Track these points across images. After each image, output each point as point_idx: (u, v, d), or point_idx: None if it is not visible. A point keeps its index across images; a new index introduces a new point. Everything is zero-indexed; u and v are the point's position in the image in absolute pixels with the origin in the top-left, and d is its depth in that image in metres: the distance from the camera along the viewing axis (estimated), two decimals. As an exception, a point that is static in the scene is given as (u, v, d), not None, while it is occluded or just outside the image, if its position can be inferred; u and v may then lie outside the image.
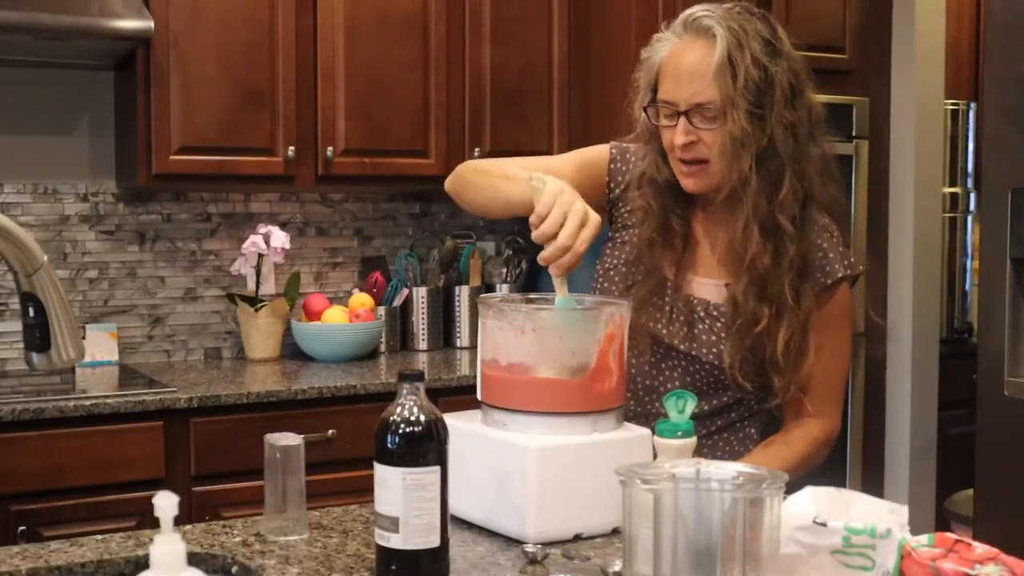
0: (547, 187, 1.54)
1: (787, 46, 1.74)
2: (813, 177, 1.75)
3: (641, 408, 1.83)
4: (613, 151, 1.91)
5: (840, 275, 1.80)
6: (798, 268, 1.74)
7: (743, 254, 1.73)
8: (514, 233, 3.85)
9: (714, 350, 1.77)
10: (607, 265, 1.89)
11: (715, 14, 1.70)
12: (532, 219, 1.53)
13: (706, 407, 1.80)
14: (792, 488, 1.13)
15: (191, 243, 3.46)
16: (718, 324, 1.78)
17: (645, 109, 1.79)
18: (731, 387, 1.80)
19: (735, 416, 1.84)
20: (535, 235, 1.52)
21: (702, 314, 1.79)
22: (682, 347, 1.79)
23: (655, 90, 1.77)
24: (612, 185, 1.90)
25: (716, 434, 1.83)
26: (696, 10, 1.73)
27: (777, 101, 1.69)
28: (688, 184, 1.77)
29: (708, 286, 1.81)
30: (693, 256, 1.84)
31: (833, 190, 1.81)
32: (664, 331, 1.80)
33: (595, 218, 1.53)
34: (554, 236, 1.50)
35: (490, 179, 1.80)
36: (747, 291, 1.73)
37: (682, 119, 1.71)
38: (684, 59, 1.72)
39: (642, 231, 1.83)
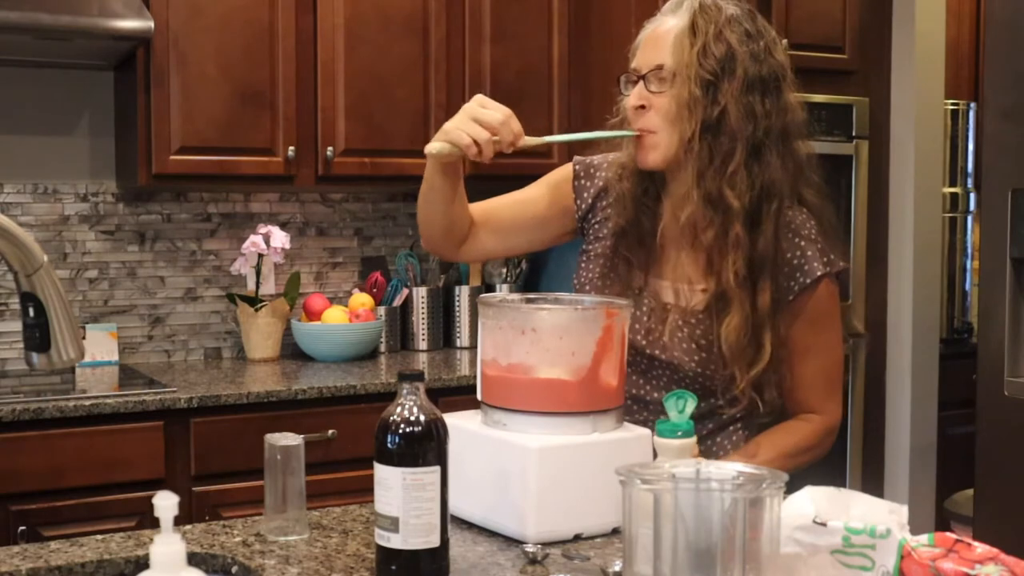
0: (442, 135, 1.73)
1: (771, 43, 1.73)
2: (780, 175, 1.71)
3: (631, 419, 1.80)
4: (576, 167, 1.93)
5: (819, 273, 1.75)
6: (752, 259, 1.69)
7: (692, 227, 1.72)
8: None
9: (695, 358, 1.74)
10: (582, 279, 1.88)
11: None
12: (472, 154, 1.70)
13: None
14: (792, 488, 1.13)
15: (191, 243, 3.46)
16: (697, 331, 1.74)
17: (618, 80, 1.81)
18: (716, 392, 1.76)
19: (727, 418, 1.80)
20: (488, 152, 1.69)
21: (680, 322, 1.75)
22: (663, 356, 1.76)
23: None
24: (579, 202, 1.91)
25: (709, 437, 1.80)
26: None
27: (737, 79, 1.68)
28: (639, 158, 1.76)
29: (681, 291, 1.78)
30: (665, 259, 1.81)
31: (811, 195, 1.78)
32: (643, 341, 1.78)
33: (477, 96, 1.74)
34: (492, 128, 1.68)
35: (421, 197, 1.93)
36: (696, 266, 1.74)
37: (639, 83, 1.74)
38: (654, 30, 1.76)
39: (614, 219, 1.83)
